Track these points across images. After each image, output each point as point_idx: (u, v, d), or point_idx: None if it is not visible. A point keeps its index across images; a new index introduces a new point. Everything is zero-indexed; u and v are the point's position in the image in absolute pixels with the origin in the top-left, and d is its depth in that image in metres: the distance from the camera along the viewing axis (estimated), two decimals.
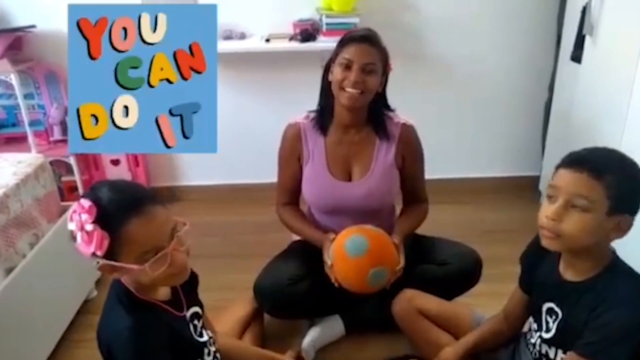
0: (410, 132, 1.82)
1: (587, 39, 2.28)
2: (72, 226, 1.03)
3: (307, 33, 2.60)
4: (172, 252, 1.08)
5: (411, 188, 1.89)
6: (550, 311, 1.27)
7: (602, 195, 1.08)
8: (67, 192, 2.84)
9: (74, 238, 1.04)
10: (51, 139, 2.80)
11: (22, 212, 1.73)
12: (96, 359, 1.72)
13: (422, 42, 2.82)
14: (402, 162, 1.83)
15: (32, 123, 2.67)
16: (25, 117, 2.59)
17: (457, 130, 3.01)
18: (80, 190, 2.76)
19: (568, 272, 1.23)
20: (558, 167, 1.16)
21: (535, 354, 1.33)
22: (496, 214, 2.73)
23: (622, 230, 1.13)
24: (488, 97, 2.95)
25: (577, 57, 2.38)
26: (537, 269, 1.33)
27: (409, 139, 1.81)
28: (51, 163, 2.10)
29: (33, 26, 2.59)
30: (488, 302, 1.77)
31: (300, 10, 2.72)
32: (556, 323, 1.24)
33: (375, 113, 1.79)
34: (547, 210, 1.14)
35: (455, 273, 1.76)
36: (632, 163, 1.13)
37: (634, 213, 1.13)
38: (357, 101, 1.69)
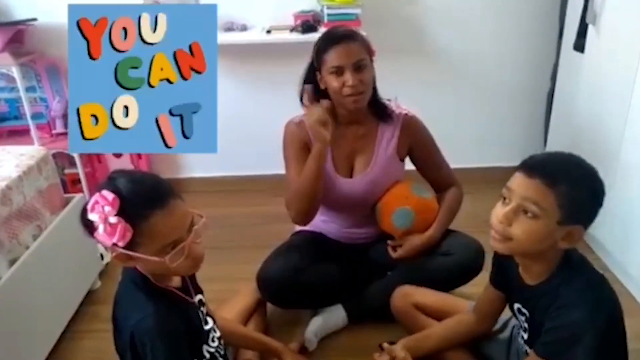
0: (414, 122, 1.81)
1: (590, 28, 2.26)
2: (94, 217, 1.04)
3: (308, 24, 2.59)
4: (190, 245, 1.11)
5: (433, 176, 1.88)
6: (520, 311, 1.29)
7: (553, 204, 1.07)
8: (70, 185, 2.85)
9: (94, 228, 1.05)
10: (53, 131, 2.81)
11: (25, 204, 1.74)
12: (100, 350, 1.77)
13: (423, 33, 2.81)
14: (410, 153, 1.84)
15: (35, 116, 2.69)
16: (27, 110, 2.60)
17: (458, 120, 3.00)
18: (83, 183, 2.76)
19: (525, 276, 1.24)
20: (516, 169, 1.14)
21: (524, 352, 1.35)
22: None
23: (573, 240, 1.12)
24: (490, 88, 2.94)
25: (579, 46, 2.37)
26: (507, 269, 1.32)
27: (414, 129, 1.81)
28: (54, 156, 2.11)
29: (34, 19, 2.59)
30: None
31: (302, 1, 2.71)
32: (527, 323, 1.26)
33: (374, 102, 1.77)
34: (498, 212, 1.14)
35: (458, 263, 1.77)
36: (589, 174, 1.10)
37: (586, 225, 1.12)
38: (361, 101, 1.69)
